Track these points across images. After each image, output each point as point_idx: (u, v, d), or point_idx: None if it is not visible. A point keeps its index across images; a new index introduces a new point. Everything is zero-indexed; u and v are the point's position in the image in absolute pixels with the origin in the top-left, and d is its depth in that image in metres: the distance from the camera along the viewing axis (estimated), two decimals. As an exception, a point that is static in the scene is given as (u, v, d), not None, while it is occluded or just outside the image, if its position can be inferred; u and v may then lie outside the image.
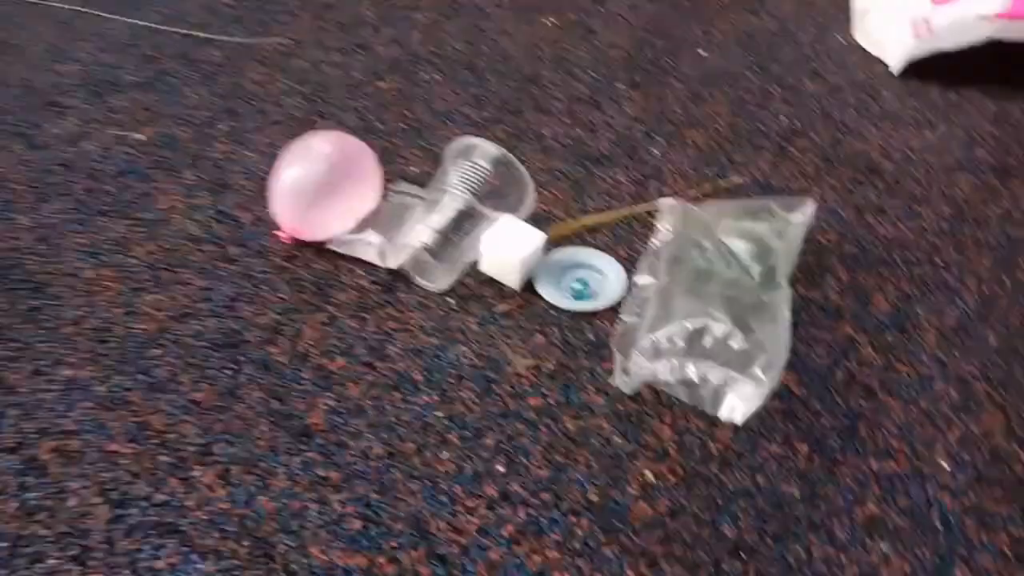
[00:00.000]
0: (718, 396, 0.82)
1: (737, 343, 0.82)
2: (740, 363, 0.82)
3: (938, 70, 1.28)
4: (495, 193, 0.97)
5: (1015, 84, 1.30)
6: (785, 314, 0.87)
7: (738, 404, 0.81)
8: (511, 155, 0.98)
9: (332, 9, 1.38)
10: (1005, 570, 0.72)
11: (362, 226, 0.96)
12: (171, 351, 0.84)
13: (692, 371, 0.82)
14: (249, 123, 1.14)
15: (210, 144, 1.10)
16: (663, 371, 0.83)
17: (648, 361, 0.83)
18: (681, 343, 0.83)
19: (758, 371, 0.81)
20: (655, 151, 1.15)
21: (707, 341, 0.83)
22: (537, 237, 0.95)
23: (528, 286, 0.94)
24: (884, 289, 0.97)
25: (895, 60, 1.30)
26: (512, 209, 0.97)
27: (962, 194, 1.11)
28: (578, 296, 0.94)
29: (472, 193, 0.95)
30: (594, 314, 0.92)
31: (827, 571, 0.71)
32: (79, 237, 0.96)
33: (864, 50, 1.36)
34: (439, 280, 0.93)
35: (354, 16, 1.37)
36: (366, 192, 0.98)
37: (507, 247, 0.93)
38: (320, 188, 0.93)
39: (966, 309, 0.95)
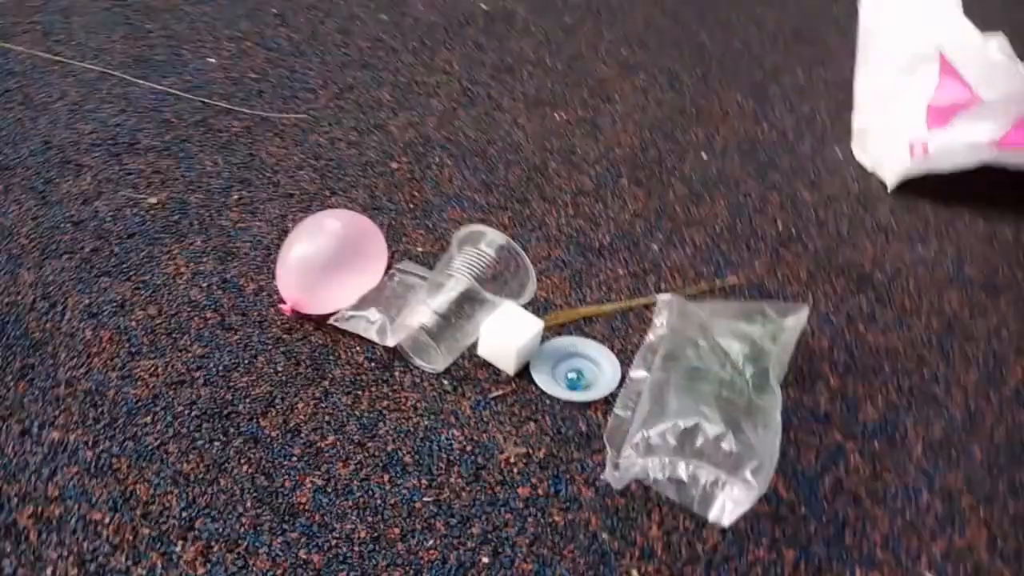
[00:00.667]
0: (707, 497, 0.81)
1: (728, 445, 0.83)
2: (731, 465, 0.82)
3: (932, 188, 1.33)
4: (497, 279, 0.99)
5: (1006, 205, 1.34)
6: (776, 418, 0.88)
7: (727, 506, 0.81)
8: (516, 244, 1.01)
9: (353, 90, 1.43)
10: None
11: (365, 303, 0.98)
12: (162, 419, 0.84)
13: (683, 470, 0.82)
14: (261, 194, 1.17)
15: (221, 212, 1.12)
16: (654, 468, 0.83)
17: (639, 457, 0.84)
18: (673, 441, 0.84)
19: (748, 475, 0.81)
20: (654, 247, 1.18)
21: (699, 441, 0.83)
22: (535, 325, 0.96)
23: (523, 372, 0.95)
24: (873, 398, 0.98)
25: (891, 178, 1.35)
26: (513, 295, 0.99)
27: (951, 309, 1.14)
28: (572, 385, 0.94)
29: (475, 278, 0.97)
30: (587, 405, 0.92)
31: None
32: (81, 297, 0.97)
33: (860, 165, 1.41)
34: (436, 361, 0.94)
35: (373, 98, 1.42)
36: (371, 270, 1.00)
37: (505, 334, 0.94)
38: (327, 264, 0.95)
39: (953, 422, 0.96)
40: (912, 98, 1.34)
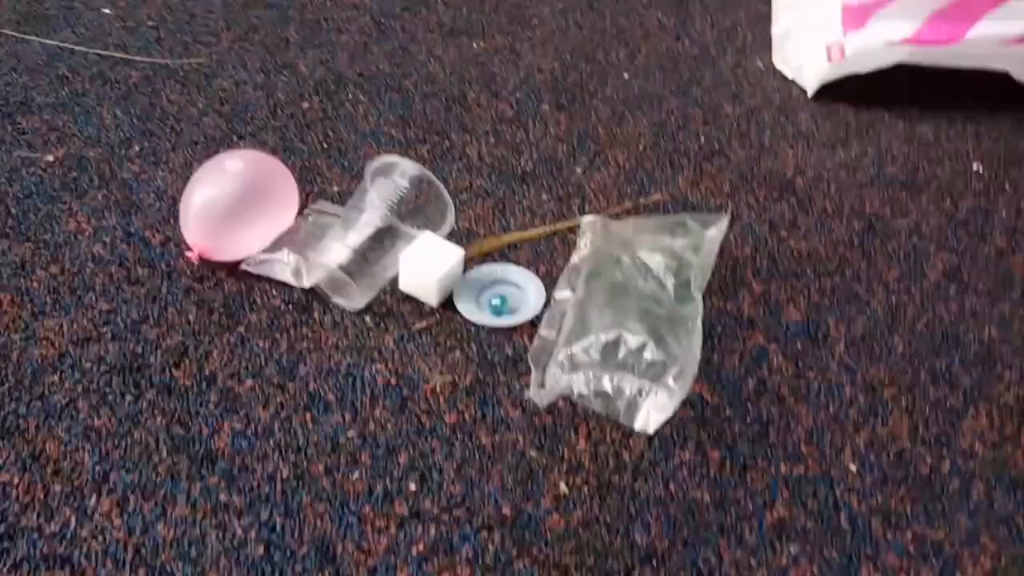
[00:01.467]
0: (632, 406, 0.82)
1: (650, 354, 0.83)
2: (653, 373, 0.82)
3: (852, 92, 1.33)
4: (415, 211, 0.97)
5: (924, 105, 1.35)
6: (697, 326, 0.89)
7: (652, 413, 0.81)
8: (430, 173, 0.98)
9: (257, 31, 1.37)
10: (911, 567, 0.73)
11: (277, 245, 0.95)
12: (70, 376, 0.81)
13: (607, 382, 0.82)
14: (164, 144, 1.12)
15: (122, 165, 1.08)
16: (579, 383, 0.83)
17: (564, 374, 0.83)
18: (596, 355, 0.84)
19: (670, 381, 0.82)
20: (578, 170, 1.17)
21: (621, 353, 0.84)
22: (456, 254, 0.94)
23: (447, 303, 0.93)
24: (795, 300, 0.99)
25: (810, 83, 1.34)
26: (432, 227, 0.97)
27: (872, 209, 1.15)
28: (497, 312, 0.93)
29: (391, 211, 0.95)
30: (513, 329, 0.91)
31: (737, 575, 0.71)
32: (-23, 261, 0.92)
33: (781, 74, 1.40)
34: (355, 299, 0.92)
35: (280, 38, 1.36)
36: (281, 211, 0.97)
37: (425, 264, 0.93)
38: (232, 207, 0.91)
39: (875, 318, 0.98)
40: (827, 1, 1.33)
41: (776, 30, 1.45)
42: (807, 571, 0.72)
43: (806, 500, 0.78)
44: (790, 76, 1.38)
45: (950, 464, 0.83)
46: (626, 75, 1.38)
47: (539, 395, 0.83)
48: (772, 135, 1.27)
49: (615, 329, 0.85)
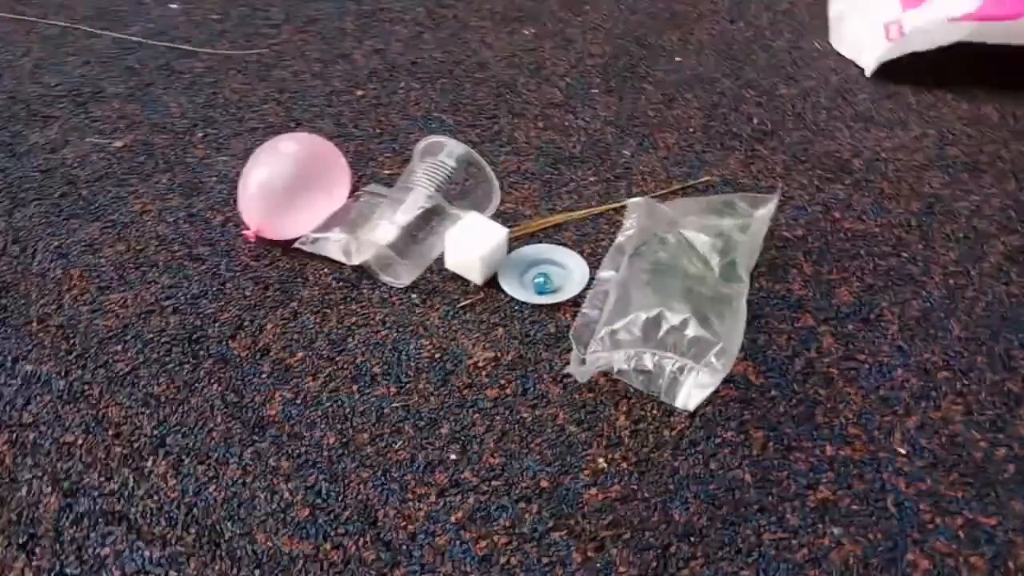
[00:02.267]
0: (673, 384, 0.82)
1: (692, 331, 0.83)
2: (695, 351, 0.82)
3: (912, 72, 1.29)
4: (461, 191, 0.98)
5: (988, 84, 1.30)
6: (742, 305, 0.87)
7: (693, 391, 0.81)
8: (476, 153, 1.00)
9: (316, 22, 1.41)
10: (959, 552, 0.71)
11: (329, 225, 0.98)
12: (133, 346, 0.86)
13: (648, 360, 0.82)
14: (226, 130, 1.16)
15: (186, 150, 1.13)
16: (619, 360, 0.83)
17: (605, 351, 0.84)
18: (638, 332, 0.84)
19: (712, 358, 0.81)
20: (626, 152, 1.16)
21: (663, 330, 0.83)
22: (500, 233, 0.95)
23: (492, 281, 0.95)
24: (848, 281, 0.97)
25: (868, 63, 1.31)
26: (478, 207, 0.99)
27: (932, 190, 1.11)
28: (540, 290, 0.94)
29: (437, 190, 0.97)
30: (556, 307, 0.92)
31: (776, 554, 0.70)
32: (51, 240, 0.98)
33: (839, 55, 1.37)
34: (402, 276, 0.94)
35: (337, 29, 1.40)
36: (334, 191, 1.00)
37: (470, 243, 0.94)
38: (286, 188, 0.95)
39: (930, 300, 0.95)
40: (887, -22, 1.29)
41: (833, 10, 1.42)
42: (850, 553, 0.71)
43: (852, 482, 0.76)
44: (848, 56, 1.35)
45: (1006, 450, 0.80)
46: (678, 58, 1.37)
47: (579, 371, 0.83)
48: (828, 116, 1.24)
49: (657, 308, 0.85)
